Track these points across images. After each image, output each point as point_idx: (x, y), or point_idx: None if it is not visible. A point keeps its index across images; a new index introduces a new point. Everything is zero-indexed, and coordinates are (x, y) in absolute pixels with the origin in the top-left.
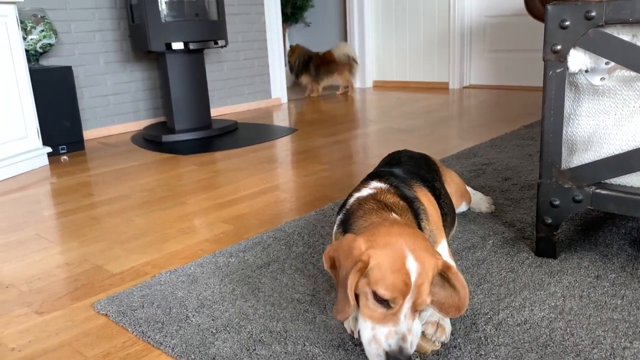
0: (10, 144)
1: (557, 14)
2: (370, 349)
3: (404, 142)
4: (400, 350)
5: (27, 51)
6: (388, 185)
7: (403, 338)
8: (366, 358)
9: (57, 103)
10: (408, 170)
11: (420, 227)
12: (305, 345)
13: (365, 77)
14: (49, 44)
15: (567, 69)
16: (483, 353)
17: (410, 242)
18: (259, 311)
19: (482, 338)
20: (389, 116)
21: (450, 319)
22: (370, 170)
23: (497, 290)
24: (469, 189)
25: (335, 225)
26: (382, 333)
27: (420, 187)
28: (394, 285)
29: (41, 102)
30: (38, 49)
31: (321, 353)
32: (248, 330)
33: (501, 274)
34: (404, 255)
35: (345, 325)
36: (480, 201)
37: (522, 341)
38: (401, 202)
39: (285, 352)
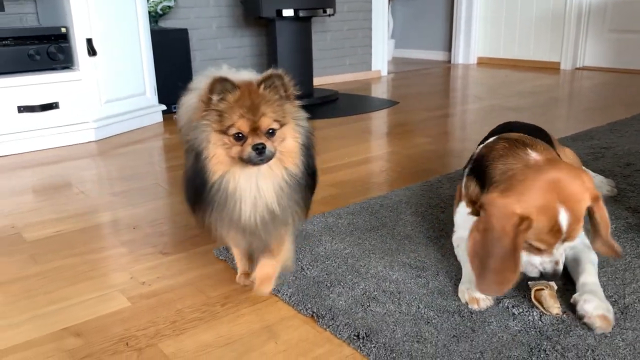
0: (130, 100)
1: None
2: (526, 268)
3: (513, 120)
4: (554, 272)
5: (148, 12)
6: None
7: (556, 262)
8: (483, 324)
9: (172, 64)
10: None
11: None
12: (419, 307)
13: (470, 52)
14: (169, 6)
15: None
16: (609, 335)
17: (561, 190)
18: (371, 271)
19: None
20: (495, 94)
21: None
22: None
23: (621, 274)
24: (587, 171)
25: (464, 178)
26: (537, 260)
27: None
28: (549, 242)
29: (158, 62)
30: (158, 10)
31: (436, 316)
32: (362, 287)
33: (626, 259)
34: (557, 213)
35: (461, 295)
36: (600, 184)
37: None
38: (533, 139)
39: (400, 312)
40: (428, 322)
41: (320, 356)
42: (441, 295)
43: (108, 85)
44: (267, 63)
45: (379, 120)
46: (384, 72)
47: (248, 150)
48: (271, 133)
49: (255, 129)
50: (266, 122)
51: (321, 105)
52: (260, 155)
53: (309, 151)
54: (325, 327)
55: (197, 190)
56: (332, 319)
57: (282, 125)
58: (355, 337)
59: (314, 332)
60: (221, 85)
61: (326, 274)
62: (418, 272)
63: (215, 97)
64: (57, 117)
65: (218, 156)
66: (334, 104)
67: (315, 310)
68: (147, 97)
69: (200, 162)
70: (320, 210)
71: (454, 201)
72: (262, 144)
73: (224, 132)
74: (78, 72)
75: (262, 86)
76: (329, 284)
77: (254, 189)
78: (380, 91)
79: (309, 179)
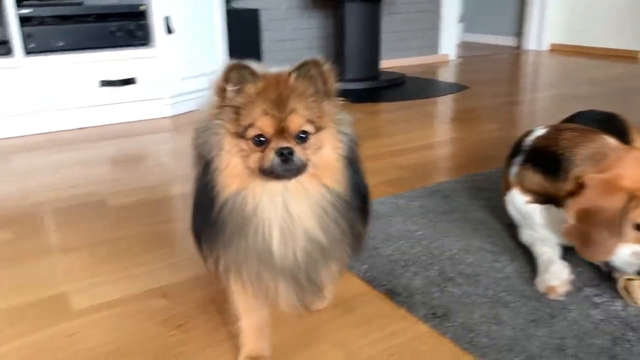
0: (204, 78)
1: None
2: (631, 259)
3: (585, 109)
4: None
5: None
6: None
7: None
8: (562, 311)
9: (243, 44)
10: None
11: None
12: (496, 291)
13: (542, 38)
14: None
15: None
16: None
17: None
18: (446, 253)
19: None
20: (568, 82)
21: None
22: None
23: None
24: None
25: (516, 168)
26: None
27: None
28: None
29: (229, 41)
30: None
31: (514, 300)
32: (437, 268)
33: None
34: None
35: (538, 287)
36: None
37: None
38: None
39: (477, 294)
40: (506, 306)
41: (397, 332)
42: (518, 280)
43: (184, 62)
44: (334, 45)
45: (446, 104)
46: (452, 57)
47: (270, 156)
48: (303, 137)
49: (281, 130)
50: (297, 122)
51: (387, 88)
52: (286, 163)
53: (354, 166)
54: (400, 304)
55: (203, 211)
56: (408, 297)
57: (318, 129)
58: (432, 316)
59: (389, 309)
60: (238, 73)
61: (399, 254)
62: (494, 256)
63: (230, 88)
64: (135, 91)
65: (233, 167)
66: (401, 87)
67: (390, 288)
68: None
69: (210, 174)
70: (387, 192)
71: (502, 191)
72: (288, 147)
73: (240, 134)
74: (155, 49)
75: (293, 76)
76: (403, 264)
77: (280, 211)
78: (447, 75)
79: (358, 201)
